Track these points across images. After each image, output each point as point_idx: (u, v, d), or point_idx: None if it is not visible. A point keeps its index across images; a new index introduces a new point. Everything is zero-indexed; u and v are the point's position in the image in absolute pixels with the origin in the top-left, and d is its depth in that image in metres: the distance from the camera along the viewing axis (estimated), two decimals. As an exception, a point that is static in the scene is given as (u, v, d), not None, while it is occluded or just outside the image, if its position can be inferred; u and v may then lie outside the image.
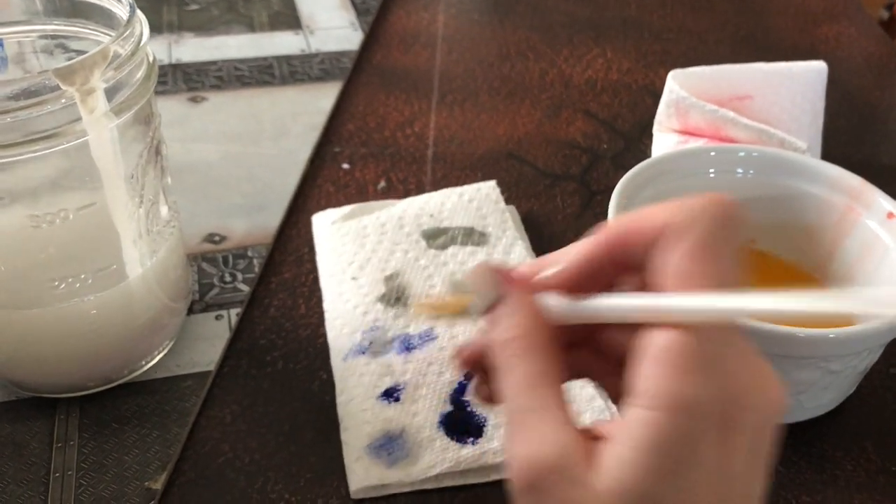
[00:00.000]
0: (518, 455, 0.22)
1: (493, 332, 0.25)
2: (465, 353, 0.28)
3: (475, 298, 0.26)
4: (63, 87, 0.30)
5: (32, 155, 0.30)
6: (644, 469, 0.21)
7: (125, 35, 0.32)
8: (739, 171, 0.43)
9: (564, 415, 0.23)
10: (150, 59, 0.34)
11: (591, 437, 0.23)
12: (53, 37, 0.37)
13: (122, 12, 0.34)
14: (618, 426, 0.22)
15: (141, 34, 0.33)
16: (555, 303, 0.25)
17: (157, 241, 0.37)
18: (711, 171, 0.43)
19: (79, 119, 0.31)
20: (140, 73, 0.33)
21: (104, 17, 0.36)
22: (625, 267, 0.25)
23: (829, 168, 0.42)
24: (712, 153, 0.43)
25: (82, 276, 0.34)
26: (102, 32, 0.36)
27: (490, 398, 0.27)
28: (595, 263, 0.25)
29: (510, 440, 0.23)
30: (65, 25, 0.37)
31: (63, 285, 0.34)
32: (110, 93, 0.32)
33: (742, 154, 0.43)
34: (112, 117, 0.31)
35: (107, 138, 0.32)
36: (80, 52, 0.37)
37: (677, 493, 0.21)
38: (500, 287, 0.25)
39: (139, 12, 0.33)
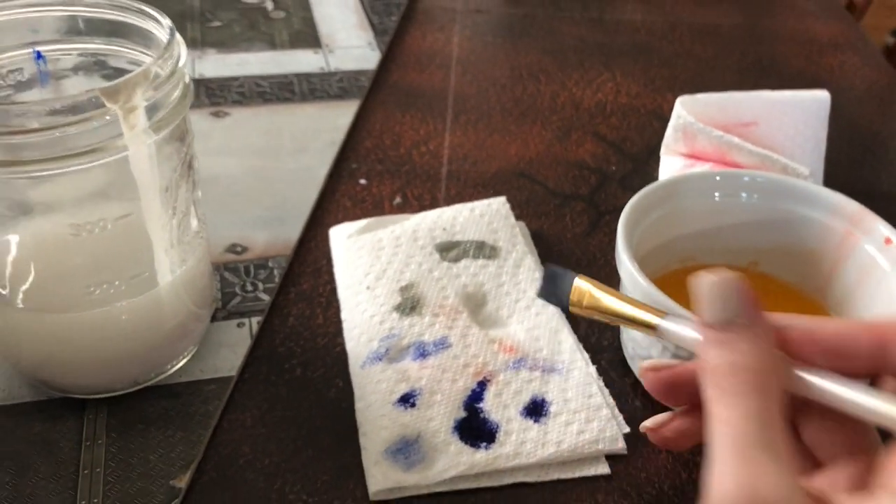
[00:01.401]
0: (741, 484, 0.21)
1: (721, 354, 0.23)
2: (661, 374, 0.26)
3: (708, 309, 0.24)
4: (107, 104, 0.32)
5: (76, 168, 0.32)
6: None
7: (165, 56, 0.34)
8: (744, 195, 0.44)
9: (795, 466, 0.22)
10: (186, 79, 0.36)
11: (814, 498, 0.22)
12: (92, 55, 0.39)
13: (161, 34, 0.36)
14: None
15: (179, 56, 0.35)
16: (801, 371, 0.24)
17: (186, 250, 0.39)
18: (717, 194, 0.44)
19: (120, 135, 0.32)
20: (177, 93, 0.35)
21: (142, 38, 0.38)
22: (883, 365, 0.23)
23: (829, 194, 0.43)
24: (718, 177, 0.44)
25: (116, 283, 0.36)
26: (140, 52, 0.38)
27: (678, 436, 0.26)
28: (852, 346, 0.24)
29: (727, 470, 0.21)
30: (103, 45, 0.39)
31: (98, 291, 0.36)
32: (149, 111, 0.33)
33: (747, 179, 0.44)
34: (151, 134, 0.33)
35: (145, 153, 0.34)
36: (117, 70, 0.39)
37: None
38: (744, 310, 0.24)
39: (178, 35, 0.35)
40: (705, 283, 0.25)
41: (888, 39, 1.54)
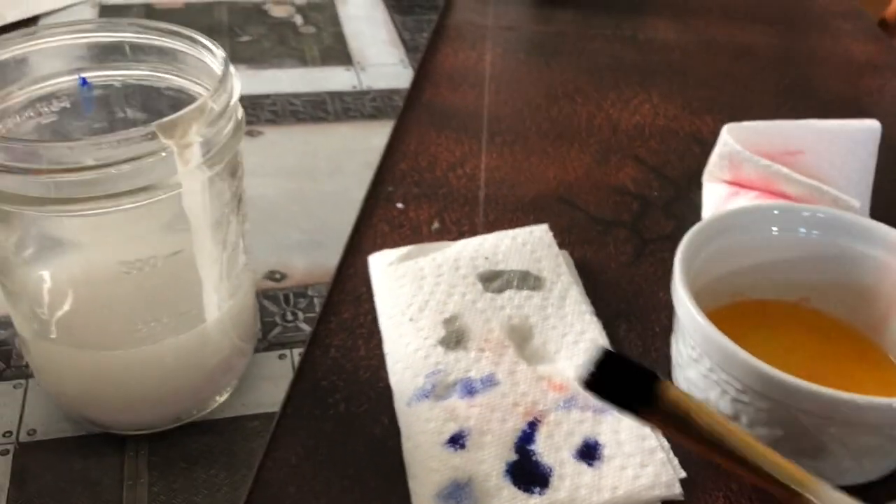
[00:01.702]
0: None
1: None
2: None
3: None
4: (163, 140, 0.31)
5: (129, 206, 0.31)
6: None
7: (219, 90, 0.33)
8: (802, 230, 0.43)
9: None
10: (240, 115, 0.35)
11: None
12: (138, 80, 0.38)
13: (213, 64, 0.35)
14: None
15: (233, 89, 0.34)
16: None
17: (234, 284, 0.38)
18: (774, 228, 0.43)
19: (174, 171, 0.31)
20: (230, 127, 0.34)
21: (190, 66, 0.37)
22: None
23: (891, 232, 0.42)
24: (776, 211, 0.43)
25: (165, 320, 0.35)
26: (188, 79, 0.37)
27: None
28: None
29: None
30: (151, 72, 0.38)
31: (145, 329, 0.35)
32: (203, 146, 0.32)
33: (806, 214, 0.43)
34: (205, 170, 0.32)
35: (198, 189, 0.33)
36: (163, 97, 0.38)
37: None
38: None
39: (231, 67, 0.34)
40: None
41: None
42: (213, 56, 0.35)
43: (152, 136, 0.30)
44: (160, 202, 0.32)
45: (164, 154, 0.31)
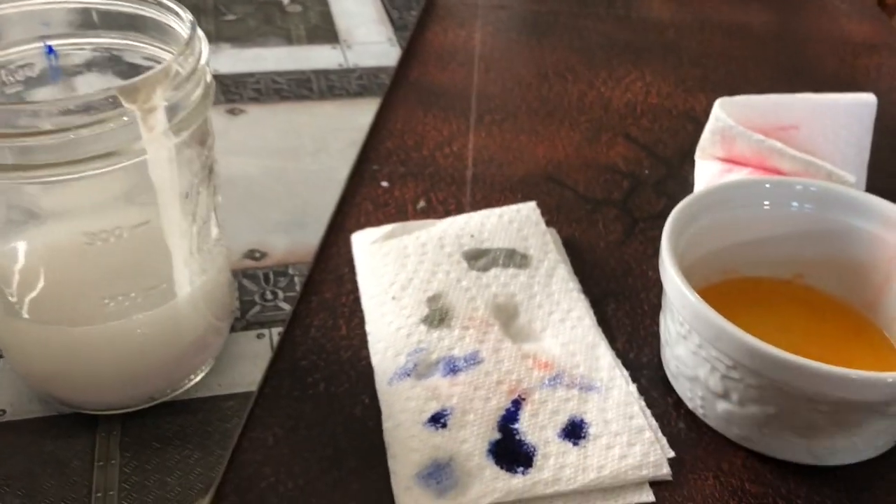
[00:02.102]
0: None
1: None
2: None
3: None
4: (125, 104, 0.29)
5: (92, 173, 0.30)
6: None
7: (186, 53, 0.32)
8: (794, 204, 0.42)
9: None
10: (208, 78, 0.34)
11: None
12: (106, 49, 0.37)
13: (181, 29, 0.34)
14: None
15: (200, 52, 0.33)
16: None
17: (206, 259, 0.36)
18: (766, 203, 0.42)
19: (138, 137, 0.30)
20: (198, 93, 0.33)
21: (159, 32, 0.36)
22: None
23: (884, 204, 0.41)
24: (767, 185, 0.42)
25: (132, 295, 0.34)
26: (157, 47, 0.36)
27: None
28: None
29: None
30: (118, 39, 0.37)
31: (113, 303, 0.34)
32: (169, 112, 0.31)
33: (798, 187, 0.42)
34: (171, 136, 0.31)
35: (165, 157, 0.31)
36: (133, 67, 0.37)
37: None
38: None
39: (199, 30, 0.33)
40: None
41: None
42: (182, 21, 0.34)
43: (114, 100, 0.29)
44: (125, 170, 0.31)
45: (126, 119, 0.29)
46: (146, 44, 0.36)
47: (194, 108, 0.32)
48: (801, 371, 0.33)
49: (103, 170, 0.30)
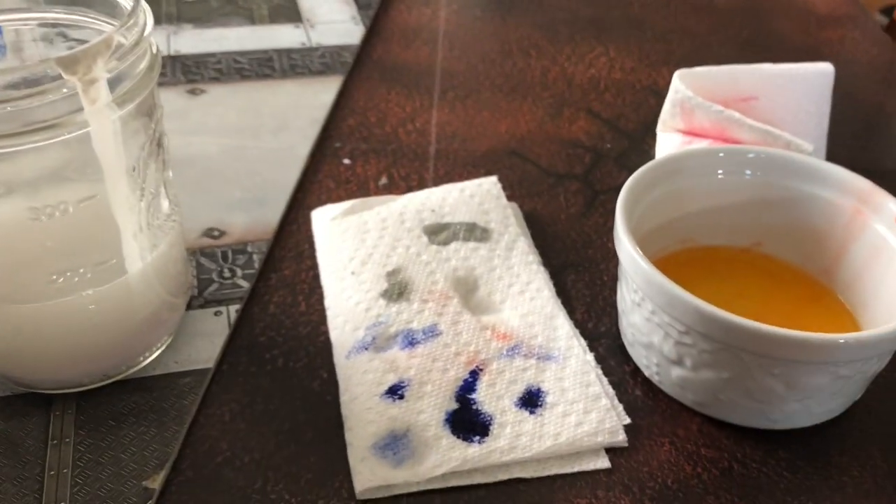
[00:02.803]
0: None
1: None
2: None
3: None
4: (65, 76, 0.29)
5: (32, 146, 0.29)
6: None
7: (129, 25, 0.31)
8: (748, 172, 0.42)
9: None
10: (154, 49, 0.33)
11: None
12: (53, 25, 0.37)
13: (125, 1, 0.33)
14: None
15: (145, 24, 0.32)
16: None
17: (157, 235, 0.36)
18: (720, 171, 0.42)
19: (80, 110, 0.30)
20: (143, 64, 0.32)
21: (106, 7, 0.35)
22: None
23: (838, 171, 0.41)
24: (721, 154, 0.42)
25: (81, 271, 0.33)
26: (104, 21, 0.36)
27: None
28: None
29: None
30: (65, 14, 0.36)
31: (62, 279, 0.33)
32: (113, 84, 0.31)
33: (751, 155, 0.42)
34: (114, 108, 0.31)
35: (109, 130, 0.31)
36: (80, 42, 0.36)
37: None
38: None
39: (143, 2, 0.33)
40: None
41: (881, 19, 1.51)
42: (126, -7, 0.33)
43: (53, 71, 0.29)
44: (68, 143, 0.30)
45: (66, 91, 0.29)
46: (93, 18, 0.36)
47: (139, 81, 0.32)
48: (752, 334, 0.33)
49: (45, 142, 0.30)
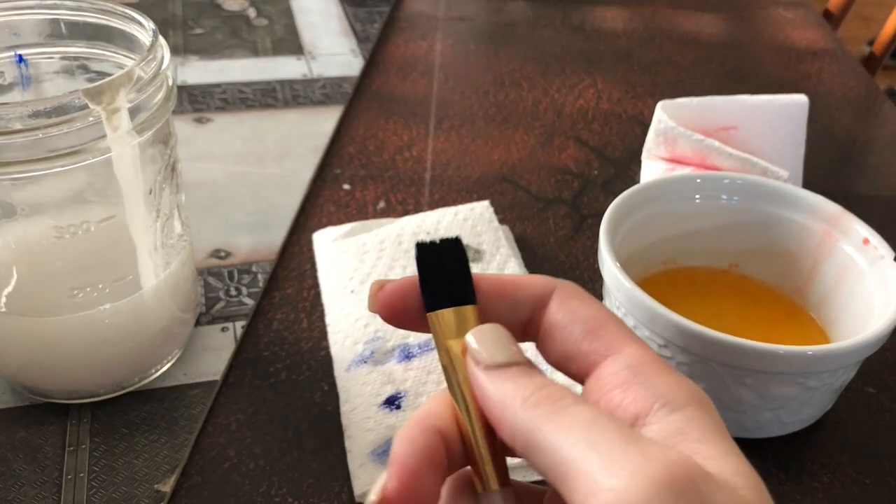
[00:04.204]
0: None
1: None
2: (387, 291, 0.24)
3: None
4: (91, 105, 0.32)
5: (60, 169, 0.32)
6: None
7: (148, 59, 0.34)
8: (724, 197, 0.45)
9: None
10: (170, 82, 0.36)
11: None
12: (75, 58, 0.39)
13: (144, 37, 0.36)
14: None
15: (162, 58, 0.35)
16: None
17: (170, 253, 0.38)
18: (697, 196, 0.45)
19: (103, 137, 0.32)
20: (160, 95, 0.35)
21: (125, 41, 0.38)
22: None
23: (808, 196, 0.44)
24: (698, 180, 0.45)
25: (100, 286, 0.36)
26: (123, 55, 0.38)
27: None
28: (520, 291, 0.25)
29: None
30: (87, 48, 0.39)
31: (81, 294, 0.36)
32: (132, 113, 0.33)
33: (727, 181, 0.45)
34: (135, 135, 0.33)
35: (129, 155, 0.34)
36: (100, 74, 0.39)
37: None
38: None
39: (161, 38, 0.35)
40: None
41: (864, 49, 1.56)
42: (144, 30, 0.36)
43: (80, 101, 0.31)
44: (91, 167, 0.33)
45: (91, 119, 0.32)
46: (112, 52, 0.39)
47: (157, 110, 0.35)
48: (723, 346, 0.36)
49: (70, 167, 0.32)
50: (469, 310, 0.25)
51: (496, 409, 0.22)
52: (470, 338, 0.23)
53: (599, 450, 0.20)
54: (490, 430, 0.23)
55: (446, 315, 0.24)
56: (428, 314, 0.25)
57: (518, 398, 0.22)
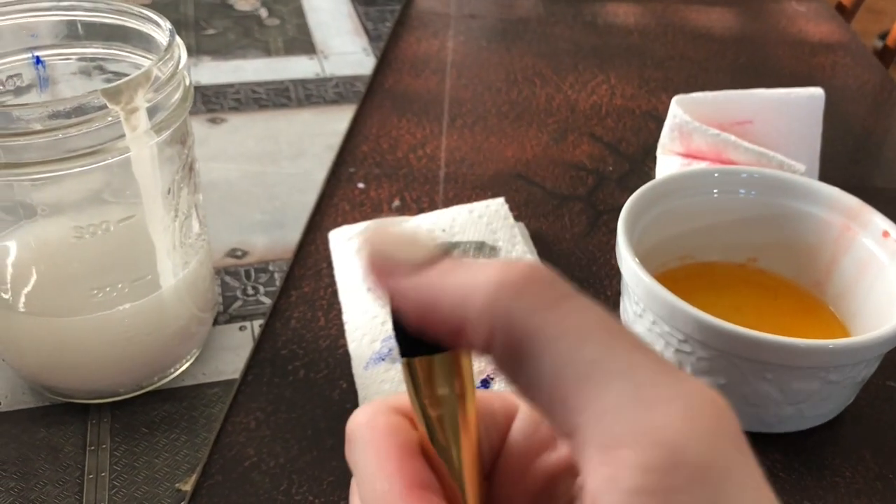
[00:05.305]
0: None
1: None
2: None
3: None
4: (109, 105, 0.32)
5: (79, 169, 0.32)
6: None
7: (165, 59, 0.34)
8: (742, 191, 0.45)
9: None
10: (187, 82, 0.36)
11: None
12: (92, 59, 0.39)
13: (160, 37, 0.36)
14: None
15: (179, 58, 0.35)
16: None
17: (188, 253, 0.39)
18: (715, 191, 0.45)
19: (122, 136, 0.33)
20: (178, 95, 0.35)
21: (142, 41, 0.38)
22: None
23: (827, 189, 0.44)
24: (716, 174, 0.45)
25: (119, 286, 0.36)
26: (139, 55, 0.38)
27: None
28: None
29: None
30: (104, 49, 0.39)
31: (101, 294, 0.36)
32: (150, 113, 0.33)
33: (745, 176, 0.45)
34: (153, 135, 0.33)
35: (147, 155, 0.34)
36: (116, 74, 0.39)
37: None
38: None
39: (178, 38, 0.35)
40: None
41: (876, 43, 1.55)
42: (161, 30, 0.36)
43: (98, 102, 0.31)
44: (110, 167, 0.33)
45: (110, 119, 0.32)
46: (129, 52, 0.39)
47: (174, 110, 0.35)
48: (746, 341, 0.36)
49: (89, 167, 0.32)
50: (457, 355, 0.20)
51: (456, 309, 0.17)
52: (380, 243, 0.18)
53: (637, 373, 0.14)
54: (481, 485, 0.20)
55: (429, 362, 0.20)
56: (403, 361, 0.20)
57: (492, 284, 0.16)
